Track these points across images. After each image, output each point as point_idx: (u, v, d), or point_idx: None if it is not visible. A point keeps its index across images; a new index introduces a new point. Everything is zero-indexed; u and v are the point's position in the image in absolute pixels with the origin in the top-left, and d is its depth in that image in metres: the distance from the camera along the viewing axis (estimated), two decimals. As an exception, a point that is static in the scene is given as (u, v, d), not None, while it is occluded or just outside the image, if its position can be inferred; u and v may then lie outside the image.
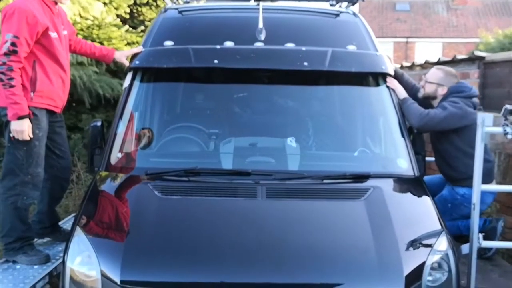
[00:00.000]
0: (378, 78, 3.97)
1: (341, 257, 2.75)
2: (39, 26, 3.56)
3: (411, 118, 3.98)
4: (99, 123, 3.77)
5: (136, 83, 3.90)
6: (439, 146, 4.37)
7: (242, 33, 4.08)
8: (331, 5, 4.76)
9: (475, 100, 4.34)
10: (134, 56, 4.01)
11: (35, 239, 3.98)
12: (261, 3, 4.26)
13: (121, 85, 7.00)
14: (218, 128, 3.88)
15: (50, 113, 3.82)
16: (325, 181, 3.31)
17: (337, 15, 4.52)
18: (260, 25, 4.05)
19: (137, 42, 7.44)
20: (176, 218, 2.98)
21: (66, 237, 4.09)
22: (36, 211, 4.10)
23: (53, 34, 3.69)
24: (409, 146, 3.62)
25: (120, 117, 3.71)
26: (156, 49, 3.94)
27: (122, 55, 4.14)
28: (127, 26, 7.50)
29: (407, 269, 2.68)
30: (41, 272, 3.55)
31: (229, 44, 3.89)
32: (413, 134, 3.83)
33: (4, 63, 3.46)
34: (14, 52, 3.48)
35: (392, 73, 4.01)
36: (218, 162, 3.52)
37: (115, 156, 3.56)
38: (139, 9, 8.39)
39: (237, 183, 3.26)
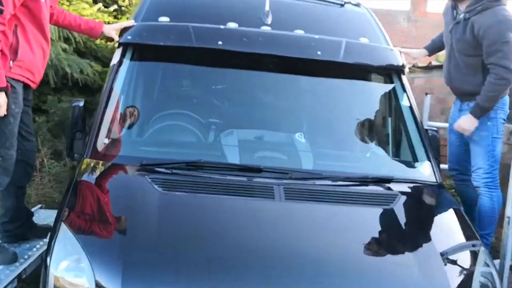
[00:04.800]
0: (392, 74, 3.67)
1: (379, 271, 2.39)
2: None
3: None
4: (81, 103, 3.30)
5: (126, 61, 3.44)
6: (465, 60, 3.96)
7: (245, 14, 3.71)
8: None
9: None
10: (124, 30, 3.55)
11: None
12: None
13: (91, 66, 6.49)
14: (217, 117, 3.46)
15: (25, 87, 3.29)
16: (346, 183, 2.95)
17: (345, 5, 4.20)
18: (267, 7, 3.67)
19: (109, 23, 6.88)
20: (184, 218, 2.54)
21: (42, 232, 3.59)
22: (4, 210, 3.48)
23: None
24: (429, 150, 3.32)
25: (108, 98, 3.25)
26: (151, 24, 3.49)
27: (111, 29, 3.64)
28: (100, 5, 6.92)
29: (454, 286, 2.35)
30: (9, 274, 3.00)
31: (232, 25, 3.49)
32: (428, 137, 3.54)
33: None
34: None
35: (407, 70, 3.74)
36: (222, 156, 3.10)
37: (102, 141, 3.08)
38: (113, -13, 7.79)
39: (249, 181, 2.85)
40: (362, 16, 4.11)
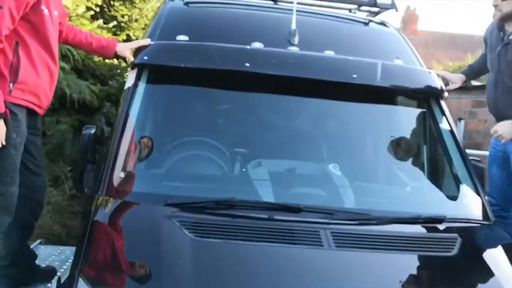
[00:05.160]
0: (430, 98, 3.38)
1: None
2: None
3: None
4: (92, 131, 2.95)
5: (142, 84, 3.09)
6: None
7: (270, 33, 3.40)
8: (350, 11, 4.17)
9: None
10: (139, 49, 3.21)
11: None
12: (295, 1, 3.54)
13: (89, 87, 6.15)
14: (242, 146, 3.13)
15: (30, 114, 2.94)
16: (398, 225, 2.62)
17: (369, 23, 3.93)
18: (293, 26, 3.37)
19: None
20: (223, 273, 2.17)
21: (46, 276, 3.20)
22: (5, 251, 3.09)
23: (46, 10, 2.82)
24: (478, 184, 3.01)
25: (123, 126, 2.88)
26: (170, 43, 3.16)
27: (126, 48, 3.28)
28: (100, 21, 6.59)
29: None
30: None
31: (257, 45, 3.18)
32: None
33: None
34: None
35: (447, 94, 3.45)
36: (254, 192, 2.75)
37: (119, 176, 2.72)
38: (112, 3, 7.47)
39: (289, 223, 2.50)
40: (392, 36, 3.84)
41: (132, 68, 3.23)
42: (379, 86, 3.11)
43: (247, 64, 3.00)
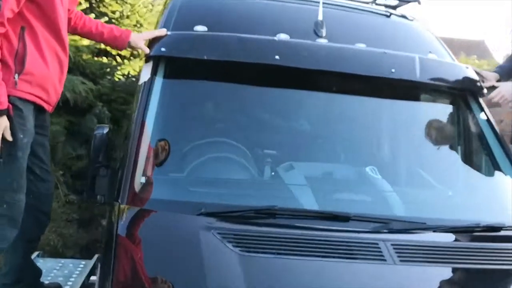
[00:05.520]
0: (468, 96, 3.14)
1: None
2: None
3: None
4: (105, 130, 2.61)
5: (159, 78, 2.79)
6: None
7: (295, 25, 3.12)
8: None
9: None
10: (153, 40, 2.90)
11: None
12: None
13: (84, 83, 5.77)
14: (272, 148, 2.84)
15: (38, 110, 2.59)
16: (459, 235, 2.35)
17: (391, 16, 3.67)
18: (320, 17, 3.10)
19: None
20: None
21: None
22: (8, 267, 2.73)
23: None
24: None
25: (141, 125, 2.57)
26: (191, 33, 2.85)
27: (140, 39, 2.93)
28: (92, 16, 6.22)
29: None
30: None
31: (283, 37, 2.89)
32: None
33: None
34: None
35: (486, 91, 3.22)
36: (293, 198, 2.45)
37: (140, 182, 2.39)
38: (102, -2, 7.09)
39: (343, 235, 2.20)
40: (421, 30, 3.60)
41: (146, 61, 2.91)
42: (418, 82, 2.87)
43: (277, 57, 2.73)
